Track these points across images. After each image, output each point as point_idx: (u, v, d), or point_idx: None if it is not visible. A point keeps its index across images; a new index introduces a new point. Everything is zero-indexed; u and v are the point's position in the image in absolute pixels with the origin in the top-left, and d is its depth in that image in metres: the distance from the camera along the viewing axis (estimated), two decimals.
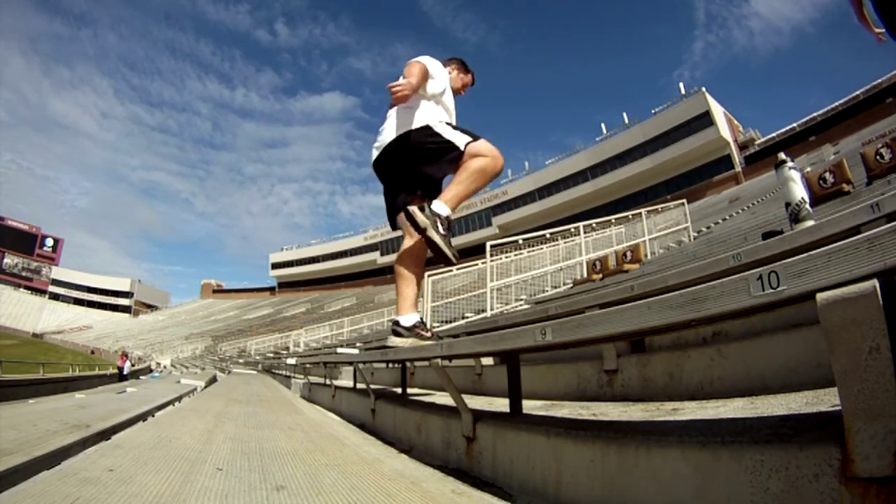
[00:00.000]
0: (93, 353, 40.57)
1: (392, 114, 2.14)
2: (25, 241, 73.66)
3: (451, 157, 1.98)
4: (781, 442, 0.76)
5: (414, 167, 2.05)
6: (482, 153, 1.99)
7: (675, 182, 34.45)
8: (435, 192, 2.11)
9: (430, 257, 2.10)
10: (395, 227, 2.21)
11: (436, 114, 2.11)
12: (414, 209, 1.87)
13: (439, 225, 1.87)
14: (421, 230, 1.86)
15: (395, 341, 2.03)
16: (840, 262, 0.62)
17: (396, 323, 2.07)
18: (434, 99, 2.14)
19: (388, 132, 2.10)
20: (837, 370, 0.64)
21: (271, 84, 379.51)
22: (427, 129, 2.02)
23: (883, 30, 1.95)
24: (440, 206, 1.91)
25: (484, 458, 1.51)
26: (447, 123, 2.09)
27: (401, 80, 1.88)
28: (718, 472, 0.82)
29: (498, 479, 1.40)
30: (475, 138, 2.01)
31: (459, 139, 1.99)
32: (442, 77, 2.20)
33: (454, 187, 1.97)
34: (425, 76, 2.06)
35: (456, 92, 2.40)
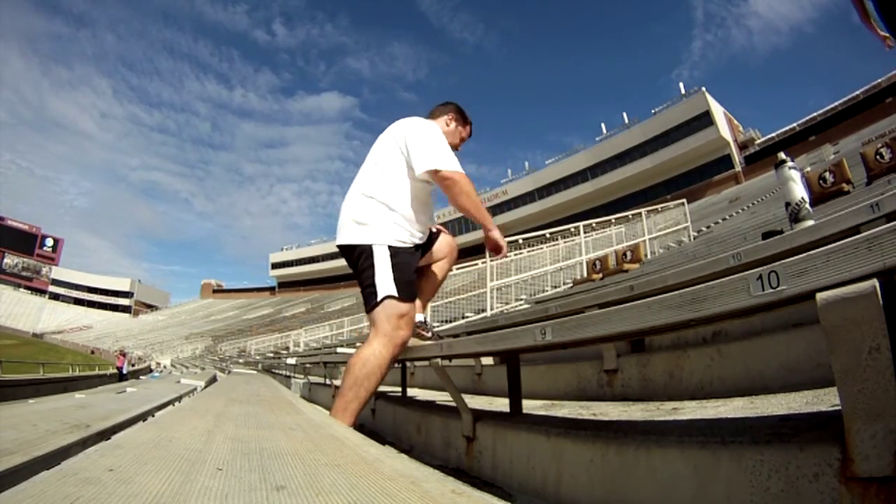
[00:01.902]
0: (93, 353, 40.57)
1: (357, 193, 1.86)
2: (25, 241, 73.69)
3: (370, 302, 1.76)
4: (781, 442, 0.76)
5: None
6: (377, 324, 1.73)
7: (675, 182, 34.49)
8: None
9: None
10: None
11: (395, 226, 1.78)
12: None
13: None
14: None
15: None
16: (840, 261, 0.62)
17: None
18: (418, 184, 1.83)
19: (342, 227, 1.87)
20: (837, 370, 0.64)
21: (270, 84, 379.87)
22: (368, 253, 1.76)
23: (889, 34, 1.94)
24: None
25: (484, 457, 1.51)
26: (393, 251, 1.77)
27: (502, 245, 1.85)
28: (718, 471, 0.82)
29: (498, 478, 1.40)
30: (399, 297, 1.73)
31: (383, 288, 1.73)
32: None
33: (340, 399, 1.69)
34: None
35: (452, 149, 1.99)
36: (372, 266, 1.76)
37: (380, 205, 1.79)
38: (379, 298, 1.73)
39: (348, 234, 1.84)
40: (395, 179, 1.81)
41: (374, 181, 1.84)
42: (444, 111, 2.04)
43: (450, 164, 1.76)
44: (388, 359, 1.73)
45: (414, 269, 1.88)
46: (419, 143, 1.79)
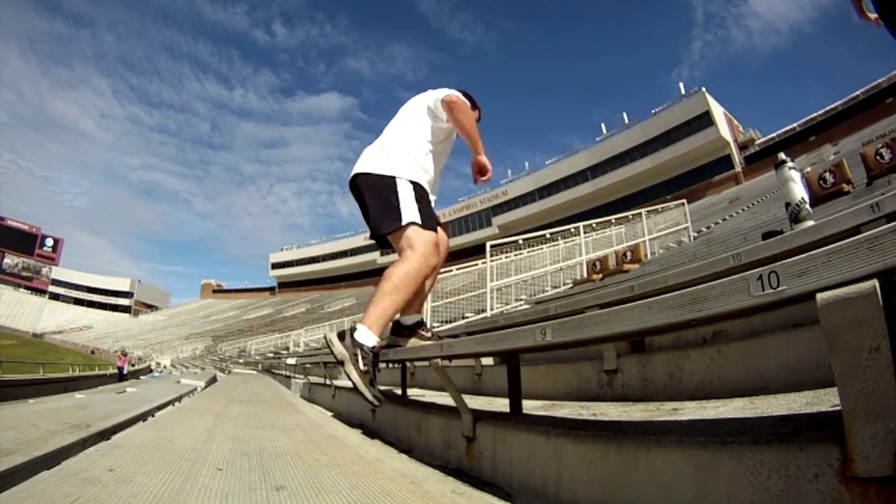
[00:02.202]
0: (93, 353, 40.56)
1: (381, 138, 2.01)
2: (25, 241, 73.61)
3: (390, 226, 1.80)
4: (781, 442, 0.76)
5: (364, 206, 1.91)
6: (414, 246, 1.78)
7: (675, 182, 34.46)
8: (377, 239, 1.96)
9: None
10: (381, 246, 2.10)
11: (414, 168, 1.92)
12: (331, 338, 1.67)
13: (360, 359, 1.61)
14: (338, 362, 1.64)
15: (395, 341, 2.03)
16: (840, 262, 0.62)
17: (397, 323, 2.07)
18: (435, 139, 2.00)
19: (362, 160, 1.96)
20: (837, 370, 0.64)
21: (269, 84, 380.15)
22: (390, 183, 1.84)
23: (879, 16, 1.96)
24: (364, 333, 1.66)
25: (484, 458, 1.51)
26: (416, 186, 1.88)
27: (488, 168, 1.93)
28: (718, 472, 0.82)
29: (498, 479, 1.40)
30: (423, 225, 1.81)
31: (407, 214, 1.79)
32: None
33: (377, 305, 1.70)
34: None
35: None
36: (395, 194, 1.83)
37: (405, 149, 1.94)
38: (404, 223, 1.78)
39: (371, 164, 1.91)
40: (418, 133, 1.98)
41: (401, 132, 2.00)
42: None
43: (457, 93, 1.99)
44: (423, 276, 1.79)
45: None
46: (436, 90, 2.03)
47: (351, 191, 2.02)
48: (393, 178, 1.85)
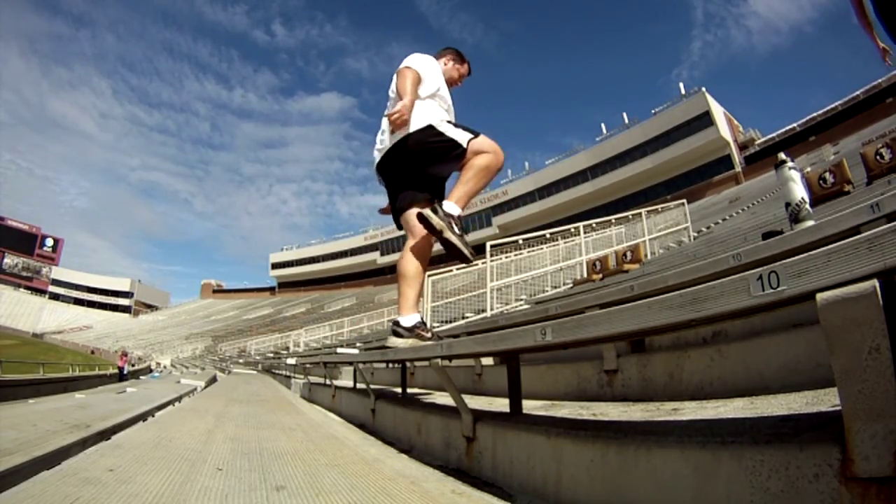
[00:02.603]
0: (93, 353, 40.54)
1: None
2: (25, 241, 73.59)
3: (454, 154, 1.98)
4: (781, 442, 0.76)
5: (419, 168, 2.05)
6: (484, 149, 2.00)
7: (675, 182, 34.44)
8: (440, 190, 2.12)
9: (436, 256, 2.07)
10: (400, 227, 2.21)
11: (436, 112, 2.10)
12: (428, 212, 1.87)
13: (454, 226, 1.89)
14: (437, 232, 1.88)
15: (395, 342, 2.03)
16: (840, 262, 0.62)
17: (396, 323, 2.07)
18: (431, 96, 2.13)
19: (390, 134, 2.09)
20: (837, 370, 0.64)
21: (269, 84, 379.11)
22: (430, 130, 2.01)
23: (888, 46, 1.94)
24: (451, 206, 1.93)
25: (484, 458, 1.51)
26: (448, 122, 2.08)
27: (398, 105, 1.89)
28: (718, 472, 0.82)
29: (498, 479, 1.40)
30: (476, 134, 2.02)
31: (462, 137, 2.00)
32: (434, 75, 2.18)
33: (461, 187, 1.98)
34: (417, 84, 2.05)
35: (453, 83, 2.39)
36: (440, 134, 2.00)
37: (421, 105, 2.06)
38: (465, 145, 1.98)
39: (403, 129, 2.01)
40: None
41: None
42: (444, 54, 2.42)
43: (406, 63, 2.11)
44: (496, 170, 2.03)
45: None
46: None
47: (380, 170, 2.16)
48: (430, 126, 2.01)
